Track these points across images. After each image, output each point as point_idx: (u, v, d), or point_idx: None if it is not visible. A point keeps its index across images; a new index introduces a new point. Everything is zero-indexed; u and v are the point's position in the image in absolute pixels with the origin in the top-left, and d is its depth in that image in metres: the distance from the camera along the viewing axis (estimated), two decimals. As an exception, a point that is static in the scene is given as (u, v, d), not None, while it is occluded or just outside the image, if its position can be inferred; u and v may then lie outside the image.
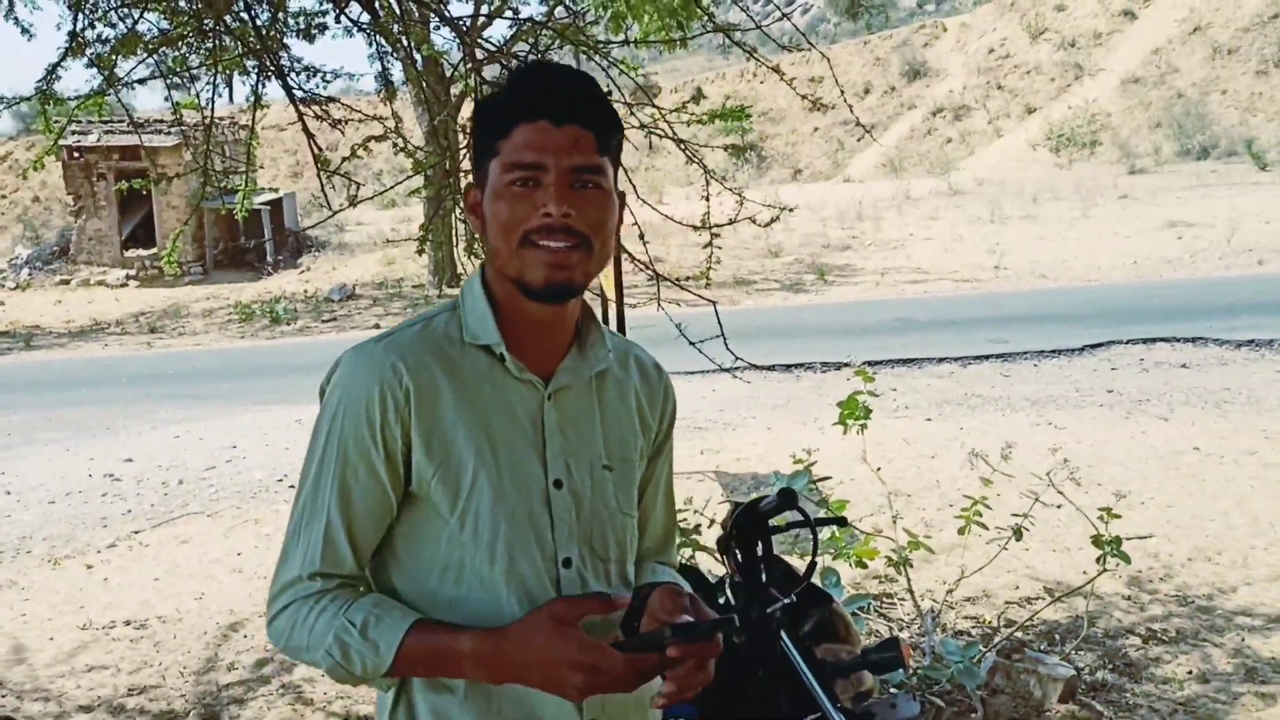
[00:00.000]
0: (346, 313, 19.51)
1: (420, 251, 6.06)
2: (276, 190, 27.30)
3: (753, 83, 41.22)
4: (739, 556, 1.65)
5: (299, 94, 5.55)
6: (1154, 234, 19.64)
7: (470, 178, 1.55)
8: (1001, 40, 42.40)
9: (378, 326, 17.16)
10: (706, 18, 5.28)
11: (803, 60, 46.27)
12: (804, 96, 5.28)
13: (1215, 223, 19.40)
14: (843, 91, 5.45)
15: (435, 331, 1.47)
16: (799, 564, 2.05)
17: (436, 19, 5.44)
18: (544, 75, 1.43)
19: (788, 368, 11.43)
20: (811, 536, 1.77)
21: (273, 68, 5.26)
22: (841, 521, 2.02)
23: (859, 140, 38.66)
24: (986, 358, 11.44)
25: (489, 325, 1.45)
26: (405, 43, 5.17)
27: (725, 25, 5.87)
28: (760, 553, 1.65)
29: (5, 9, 6.30)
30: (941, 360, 11.42)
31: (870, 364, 11.38)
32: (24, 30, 6.68)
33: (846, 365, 11.27)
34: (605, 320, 8.00)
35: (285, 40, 5.95)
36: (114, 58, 5.89)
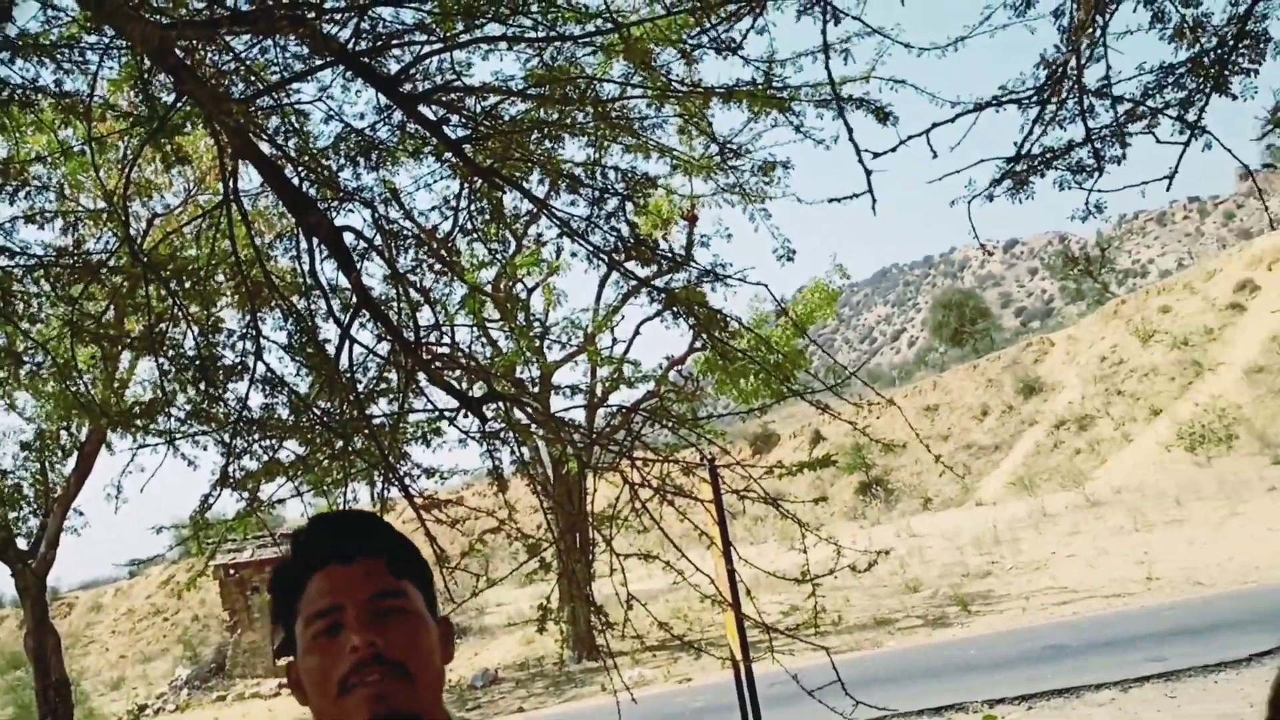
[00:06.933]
0: (490, 699, 19.42)
1: (541, 630, 6.25)
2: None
3: (868, 418, 41.91)
4: None
5: (420, 498, 6.01)
6: (1311, 525, 18.71)
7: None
8: (1112, 347, 42.63)
9: (521, 710, 17.00)
10: (788, 387, 5.66)
11: (915, 391, 47.16)
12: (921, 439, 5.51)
13: (1375, 506, 18.44)
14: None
15: None
16: None
17: (535, 423, 5.91)
18: (321, 526, 1.44)
19: (936, 711, 10.92)
20: None
21: (395, 480, 5.75)
22: None
23: (985, 463, 38.47)
24: (1148, 679, 10.77)
25: None
26: (513, 444, 5.63)
27: (824, 381, 6.23)
28: None
29: (171, 450, 7.08)
30: (1100, 687, 10.79)
31: (1025, 698, 10.84)
32: (189, 463, 7.47)
33: (1001, 703, 10.74)
34: (737, 680, 7.90)
35: (405, 450, 6.52)
36: (258, 483, 6.52)
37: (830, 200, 4.02)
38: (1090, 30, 3.54)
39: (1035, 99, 3.76)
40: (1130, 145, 3.77)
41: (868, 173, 3.87)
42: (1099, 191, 3.91)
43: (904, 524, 30.49)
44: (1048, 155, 3.82)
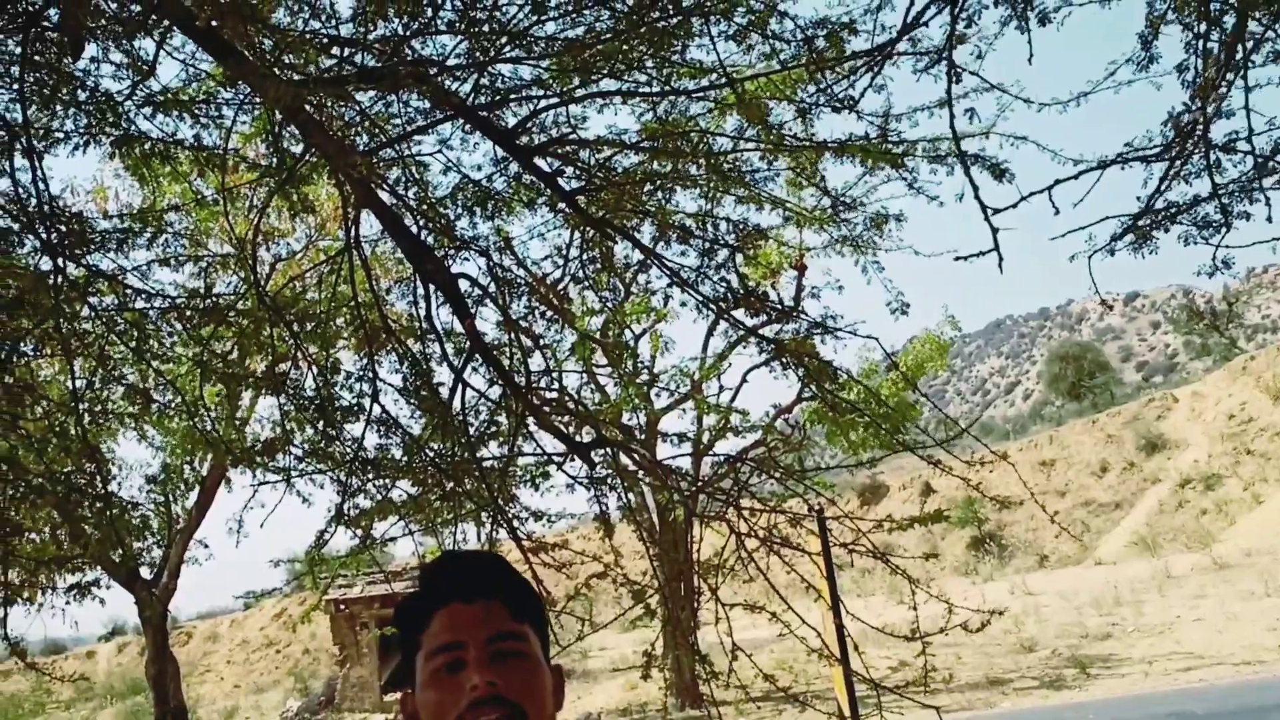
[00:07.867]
0: (592, 745, 19.34)
1: (645, 677, 6.22)
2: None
3: (981, 471, 40.70)
4: None
5: (528, 540, 6.06)
6: None
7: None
8: (1241, 405, 40.90)
9: (622, 758, 16.90)
10: (897, 440, 5.58)
11: (1031, 445, 45.85)
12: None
13: None
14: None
15: None
16: None
17: (642, 470, 5.91)
18: (450, 563, 1.48)
19: (1053, 779, 10.51)
20: None
21: (503, 522, 5.81)
22: None
23: (1104, 520, 37.14)
24: (1282, 754, 10.23)
25: None
26: (619, 490, 5.65)
27: (933, 436, 6.14)
28: None
29: (285, 487, 7.26)
30: (1230, 760, 10.28)
31: (1147, 769, 10.39)
32: (304, 500, 7.67)
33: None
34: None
35: (514, 493, 6.59)
36: (371, 521, 6.65)
37: (956, 258, 3.96)
38: (1218, 89, 3.45)
39: (1162, 156, 3.68)
40: (1260, 200, 3.65)
41: (994, 231, 3.82)
42: (1226, 247, 3.80)
43: (1018, 581, 29.56)
44: (1172, 210, 3.72)
